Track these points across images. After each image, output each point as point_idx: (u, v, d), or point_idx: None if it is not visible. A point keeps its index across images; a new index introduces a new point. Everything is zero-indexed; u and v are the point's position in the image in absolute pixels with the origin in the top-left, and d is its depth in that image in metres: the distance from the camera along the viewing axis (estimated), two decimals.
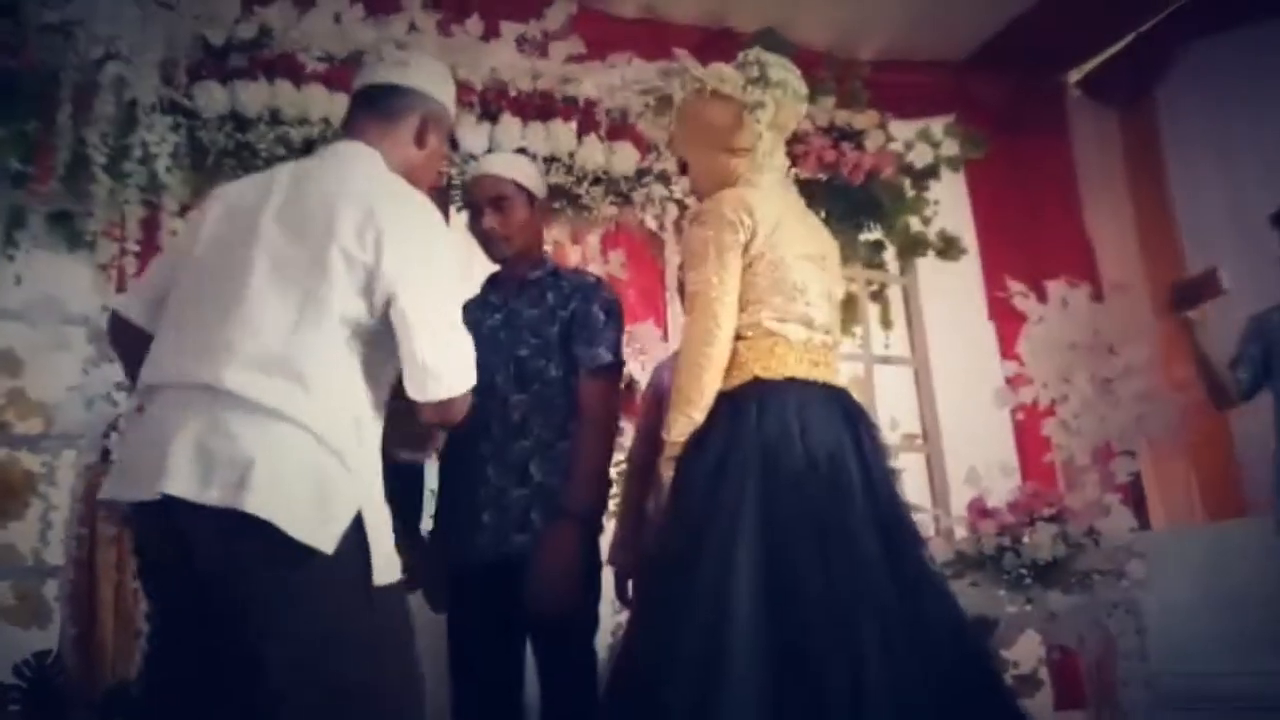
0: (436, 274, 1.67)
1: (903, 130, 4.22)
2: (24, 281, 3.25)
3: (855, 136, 4.01)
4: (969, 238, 4.41)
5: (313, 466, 1.54)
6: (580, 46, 3.74)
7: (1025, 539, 3.31)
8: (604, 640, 2.78)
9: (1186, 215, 4.28)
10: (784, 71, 2.12)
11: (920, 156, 4.15)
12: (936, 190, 4.23)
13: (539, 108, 3.57)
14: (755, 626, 1.72)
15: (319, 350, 1.58)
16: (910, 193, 4.17)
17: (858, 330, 4.20)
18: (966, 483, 3.60)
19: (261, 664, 1.48)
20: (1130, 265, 4.47)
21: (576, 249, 3.67)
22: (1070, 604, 3.26)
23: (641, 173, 3.67)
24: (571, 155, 3.57)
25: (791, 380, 1.95)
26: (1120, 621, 3.28)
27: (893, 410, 4.15)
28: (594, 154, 3.58)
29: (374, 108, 1.83)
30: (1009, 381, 4.23)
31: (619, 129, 3.68)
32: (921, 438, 4.25)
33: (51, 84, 3.01)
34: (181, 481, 1.49)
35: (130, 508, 1.63)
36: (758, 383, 1.95)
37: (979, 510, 3.45)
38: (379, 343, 1.65)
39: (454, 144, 3.42)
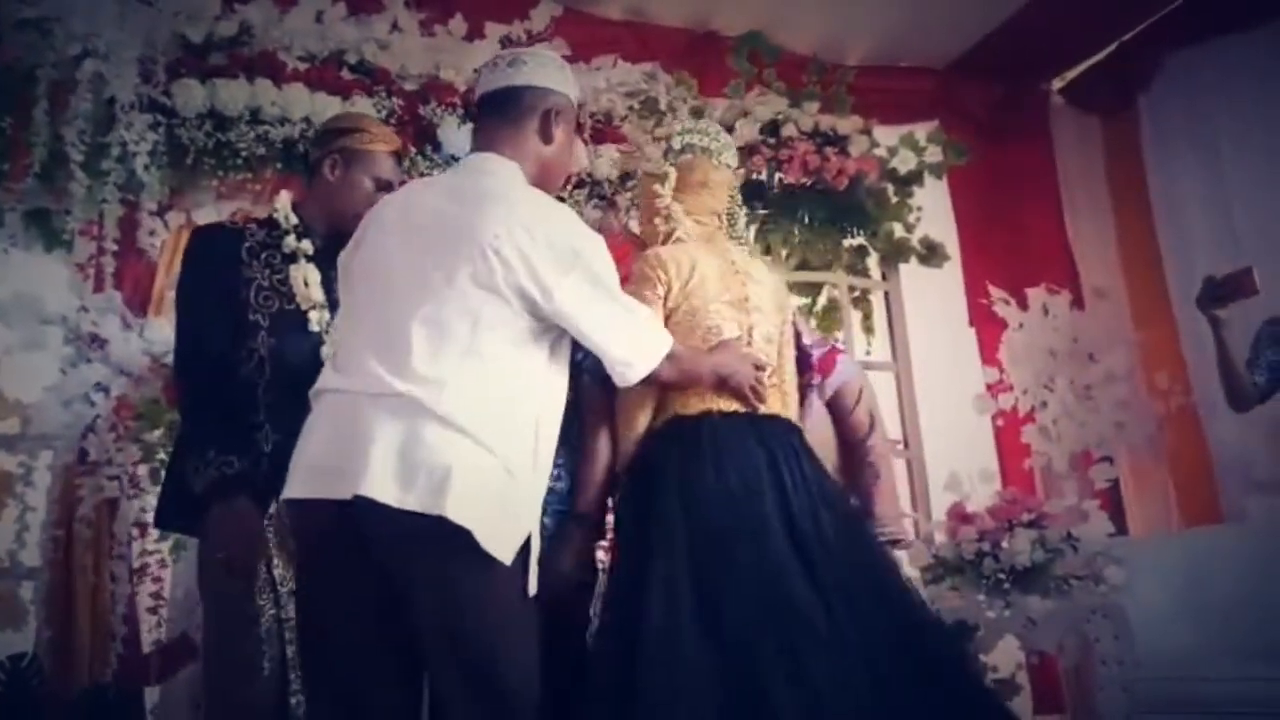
0: (587, 269, 1.76)
1: (887, 136, 4.22)
2: (0, 281, 3.23)
3: (839, 142, 4.01)
4: (951, 244, 4.41)
5: (498, 483, 1.66)
6: (564, 48, 3.72)
7: (1004, 544, 3.33)
8: None
9: (1167, 223, 4.31)
10: (691, 137, 2.36)
11: (904, 162, 4.16)
12: (920, 196, 4.24)
13: None
14: (694, 658, 1.81)
15: (499, 373, 1.69)
16: (894, 198, 4.18)
17: (840, 335, 4.21)
18: (947, 488, 3.61)
19: (436, 657, 1.66)
20: (1111, 272, 4.49)
21: None
22: (1048, 609, 3.27)
23: (625, 176, 3.67)
24: None
25: (708, 414, 2.12)
26: (1098, 627, 3.30)
27: None
28: (577, 157, 3.57)
29: (497, 113, 1.89)
30: (990, 388, 4.25)
31: (603, 132, 3.68)
32: (903, 443, 4.26)
33: (28, 81, 2.99)
34: (380, 485, 1.59)
35: (295, 506, 1.73)
36: (677, 420, 2.12)
37: (959, 515, 3.46)
38: (553, 355, 1.79)
39: (435, 145, 3.41)
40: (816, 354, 2.74)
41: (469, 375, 1.67)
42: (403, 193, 1.94)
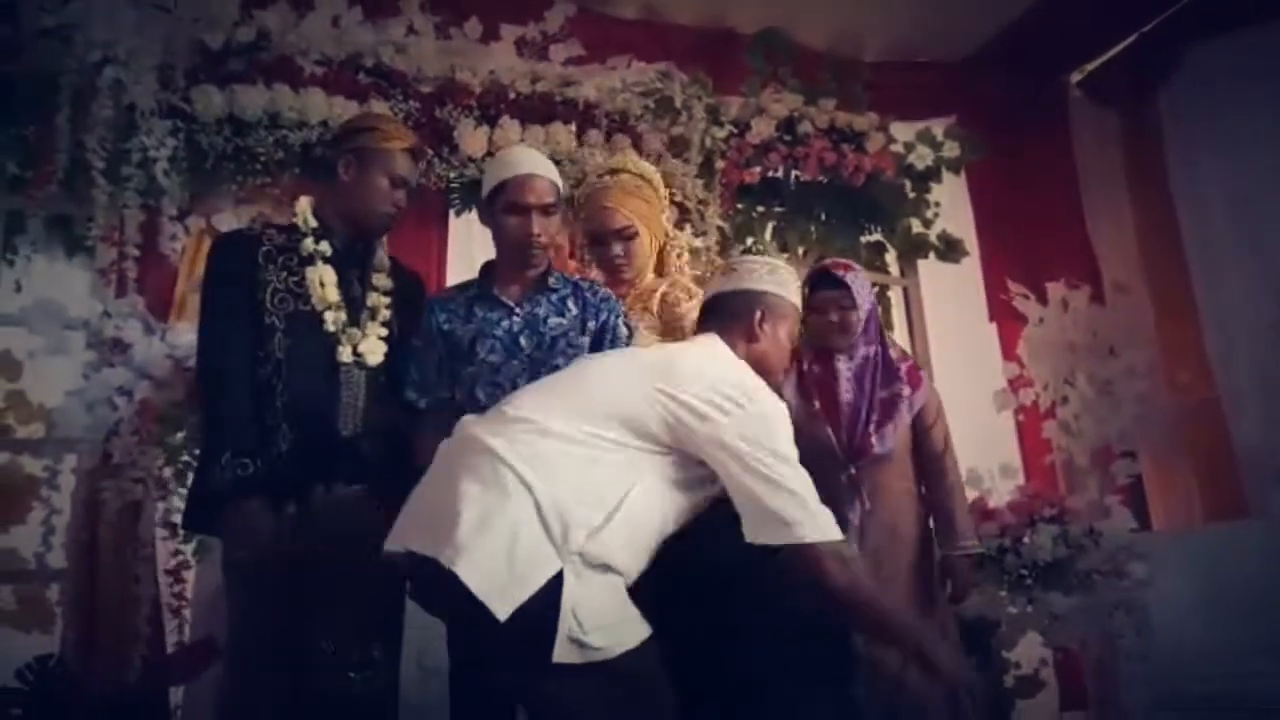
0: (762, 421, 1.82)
1: (904, 132, 4.22)
2: (24, 286, 3.27)
3: (856, 138, 4.01)
4: (970, 240, 4.40)
5: (522, 535, 1.62)
6: (579, 49, 3.74)
7: (1026, 540, 3.32)
8: None
9: (1188, 217, 4.27)
10: None
11: (921, 158, 4.16)
12: (938, 192, 4.24)
13: (538, 110, 3.57)
14: None
15: (604, 454, 1.74)
16: (911, 194, 4.17)
17: None
18: (968, 484, 3.57)
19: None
20: (1131, 267, 4.46)
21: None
22: (1071, 605, 3.26)
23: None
24: (571, 158, 3.56)
25: None
26: (1121, 622, 3.28)
27: None
28: (593, 157, 3.57)
29: (715, 316, 2.07)
30: (1010, 383, 4.22)
31: (619, 132, 3.68)
32: None
33: (49, 88, 3.02)
34: (414, 535, 1.70)
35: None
36: None
37: (980, 511, 3.45)
38: (683, 485, 1.82)
39: (452, 147, 3.42)
40: (904, 367, 2.79)
41: (568, 430, 1.74)
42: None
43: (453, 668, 2.14)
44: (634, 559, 1.75)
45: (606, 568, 1.69)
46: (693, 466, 1.81)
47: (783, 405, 1.88)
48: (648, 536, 1.77)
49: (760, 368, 1.97)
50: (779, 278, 2.11)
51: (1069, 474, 4.21)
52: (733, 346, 1.98)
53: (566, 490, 1.67)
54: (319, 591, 2.14)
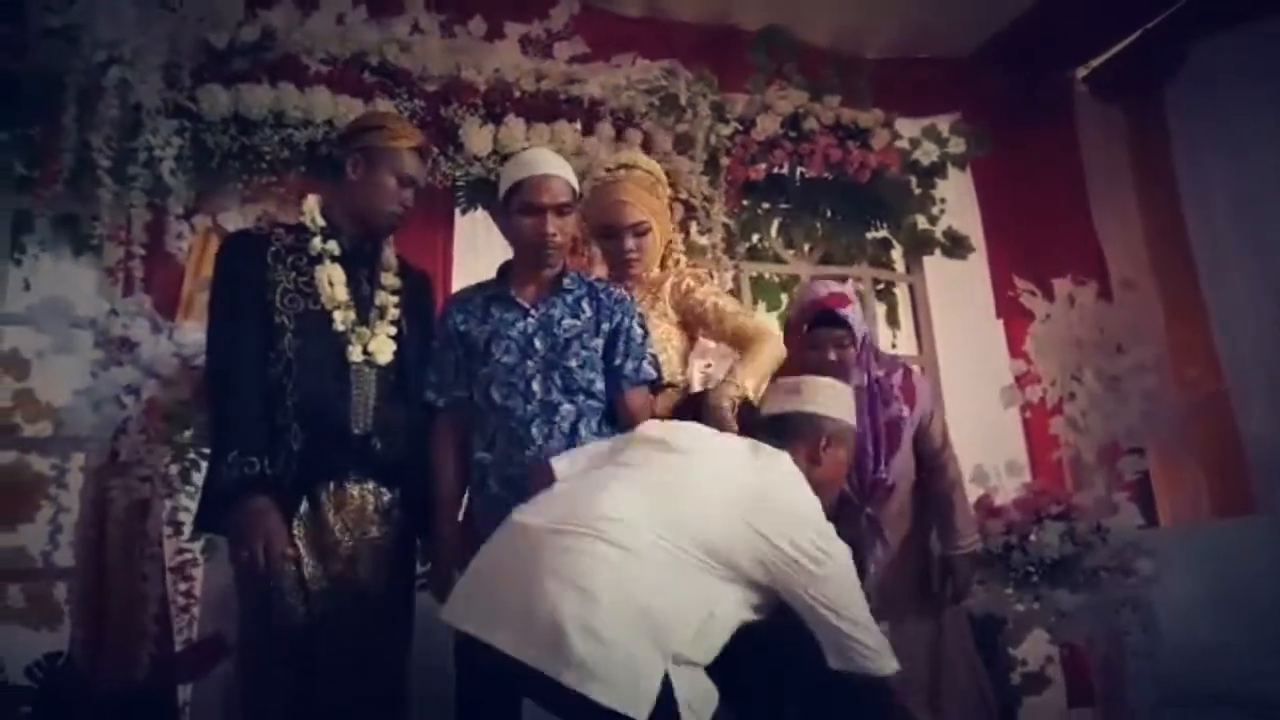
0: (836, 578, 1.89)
1: (909, 128, 4.20)
2: (31, 285, 3.28)
3: (861, 135, 4.00)
4: (976, 236, 4.39)
5: (632, 642, 1.68)
6: (584, 47, 3.74)
7: (1033, 537, 3.31)
8: None
9: (1193, 214, 4.26)
10: None
11: (926, 154, 4.14)
12: (943, 188, 4.22)
13: (543, 109, 3.56)
14: None
15: (691, 563, 1.79)
16: (917, 190, 4.16)
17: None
18: (974, 481, 3.58)
19: None
20: (1138, 263, 4.44)
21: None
22: (1078, 602, 3.25)
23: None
24: (578, 151, 3.56)
25: None
26: (1128, 619, 3.27)
27: None
28: (600, 153, 3.58)
29: (778, 433, 2.08)
30: (1017, 380, 4.21)
31: (628, 128, 3.68)
32: None
33: (55, 88, 3.03)
34: (504, 634, 1.70)
35: None
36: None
37: (987, 509, 3.44)
38: (754, 603, 1.89)
39: (458, 145, 3.42)
40: (897, 381, 2.71)
41: (655, 539, 1.78)
42: (709, 432, 2.09)
43: (458, 666, 2.14)
44: (706, 659, 1.84)
45: (690, 662, 1.79)
46: (767, 592, 1.88)
47: (848, 548, 1.94)
48: (719, 646, 1.86)
49: (819, 491, 2.00)
50: (842, 401, 2.16)
51: (1076, 471, 4.19)
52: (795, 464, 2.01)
53: (657, 597, 1.73)
54: (329, 589, 2.15)
